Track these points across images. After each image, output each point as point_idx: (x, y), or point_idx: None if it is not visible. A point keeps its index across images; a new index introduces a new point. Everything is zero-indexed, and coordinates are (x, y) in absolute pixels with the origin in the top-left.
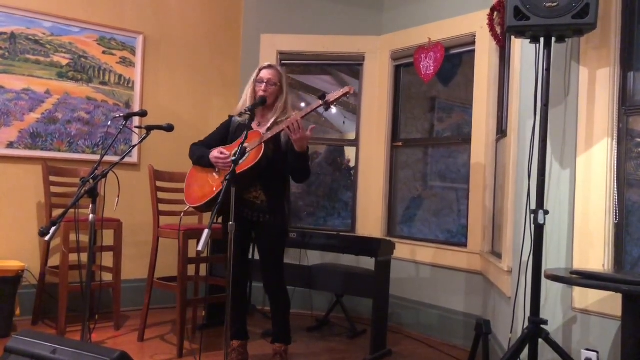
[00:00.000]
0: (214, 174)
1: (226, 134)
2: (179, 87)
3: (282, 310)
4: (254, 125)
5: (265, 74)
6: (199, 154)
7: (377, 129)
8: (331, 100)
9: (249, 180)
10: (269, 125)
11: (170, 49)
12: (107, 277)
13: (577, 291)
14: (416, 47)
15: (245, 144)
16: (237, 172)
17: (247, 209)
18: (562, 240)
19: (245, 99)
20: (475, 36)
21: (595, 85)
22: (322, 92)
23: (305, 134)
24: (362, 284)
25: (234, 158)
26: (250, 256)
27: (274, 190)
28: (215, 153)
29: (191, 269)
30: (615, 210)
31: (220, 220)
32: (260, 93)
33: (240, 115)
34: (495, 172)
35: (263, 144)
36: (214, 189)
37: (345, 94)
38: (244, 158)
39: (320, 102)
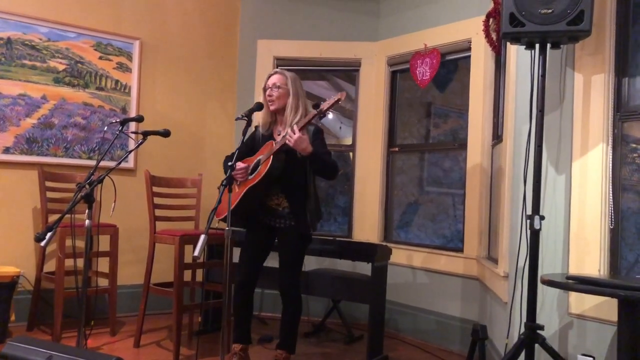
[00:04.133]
0: (235, 187)
1: (253, 144)
2: (175, 93)
3: (293, 318)
4: (275, 133)
5: (269, 81)
6: (224, 169)
7: (373, 134)
8: (324, 108)
9: (264, 190)
10: (285, 131)
11: (167, 54)
12: (103, 282)
13: (573, 296)
14: (412, 53)
15: (261, 156)
16: (249, 185)
17: (269, 216)
18: (558, 246)
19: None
20: (471, 42)
21: (590, 91)
22: (316, 102)
23: (296, 138)
24: (359, 289)
25: (231, 163)
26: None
27: (295, 196)
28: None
29: (187, 275)
30: (611, 215)
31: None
32: (267, 99)
33: (259, 125)
34: (491, 178)
35: (271, 157)
36: (235, 201)
37: (337, 101)
38: (255, 172)
39: (315, 111)
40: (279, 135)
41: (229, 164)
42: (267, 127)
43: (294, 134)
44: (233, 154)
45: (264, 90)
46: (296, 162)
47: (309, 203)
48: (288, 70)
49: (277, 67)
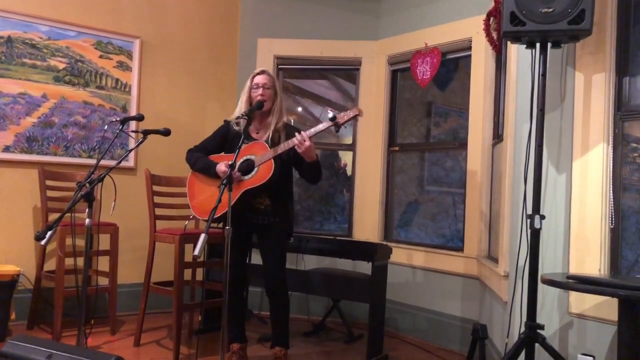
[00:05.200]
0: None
1: (223, 140)
2: (175, 92)
3: (282, 314)
4: (252, 132)
5: (260, 79)
6: (203, 164)
7: (373, 133)
8: (341, 122)
9: (257, 193)
10: (270, 132)
11: (167, 53)
12: (103, 281)
13: (574, 296)
14: (413, 52)
15: (251, 156)
16: (248, 187)
17: (251, 213)
18: (558, 245)
19: (241, 107)
20: (471, 41)
21: (591, 91)
22: (333, 114)
23: (308, 145)
24: (359, 289)
25: (231, 163)
26: (247, 260)
27: (278, 195)
28: (222, 168)
29: (187, 274)
30: (611, 214)
31: (220, 225)
32: (258, 98)
33: (237, 123)
34: (492, 177)
35: (273, 161)
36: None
37: (354, 116)
38: (252, 173)
39: (331, 123)
40: (257, 134)
41: (229, 163)
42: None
43: (305, 141)
44: (197, 146)
45: (251, 88)
46: (282, 164)
47: (291, 203)
48: (286, 69)
49: (277, 66)
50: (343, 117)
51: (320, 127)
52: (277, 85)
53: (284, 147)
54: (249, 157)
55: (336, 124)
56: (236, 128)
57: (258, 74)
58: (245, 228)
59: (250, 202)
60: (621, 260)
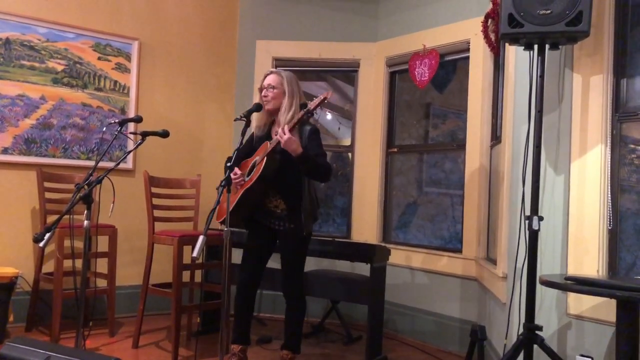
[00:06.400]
0: (234, 189)
1: (250, 145)
2: (174, 93)
3: (294, 317)
4: (273, 133)
5: (266, 80)
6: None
7: (372, 135)
8: (312, 107)
9: (261, 192)
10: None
11: (166, 55)
12: (102, 283)
13: (572, 297)
14: (411, 54)
15: (257, 157)
16: (244, 188)
17: (269, 218)
18: (556, 246)
19: None
20: (469, 43)
21: (589, 92)
22: (304, 102)
23: (286, 138)
24: (358, 290)
25: (229, 164)
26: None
27: (291, 197)
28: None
29: (186, 275)
30: (609, 216)
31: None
32: (263, 99)
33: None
34: (490, 178)
35: (265, 158)
36: (232, 203)
37: (323, 100)
38: (252, 173)
39: (302, 111)
40: (275, 135)
41: (228, 164)
42: (263, 128)
43: (285, 134)
44: (231, 156)
45: (260, 90)
46: (291, 162)
47: (304, 204)
48: (286, 70)
49: (275, 68)
50: (313, 103)
51: (295, 119)
52: (286, 83)
53: (272, 143)
54: (256, 159)
55: (308, 111)
56: (256, 132)
57: (267, 74)
58: (265, 232)
59: (265, 205)
60: (619, 261)
